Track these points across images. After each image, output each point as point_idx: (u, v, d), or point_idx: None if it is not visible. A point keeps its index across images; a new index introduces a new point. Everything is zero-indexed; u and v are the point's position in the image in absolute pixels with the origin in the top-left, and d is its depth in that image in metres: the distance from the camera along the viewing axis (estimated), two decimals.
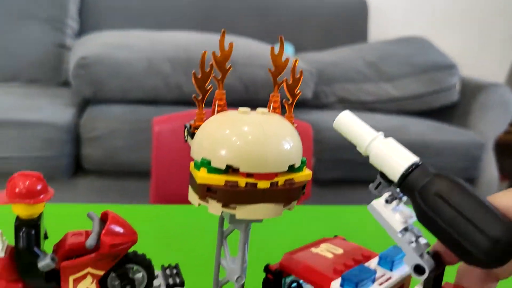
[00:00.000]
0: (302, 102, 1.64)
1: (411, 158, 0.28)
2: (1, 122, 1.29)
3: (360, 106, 1.77)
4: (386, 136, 0.30)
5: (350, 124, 0.31)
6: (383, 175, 0.29)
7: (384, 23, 2.35)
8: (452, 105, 1.82)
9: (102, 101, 1.42)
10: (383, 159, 0.29)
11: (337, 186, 1.57)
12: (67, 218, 0.33)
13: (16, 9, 1.75)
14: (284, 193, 0.30)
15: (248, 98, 1.46)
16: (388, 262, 0.34)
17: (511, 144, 2.09)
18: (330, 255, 0.35)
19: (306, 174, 0.32)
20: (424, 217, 0.27)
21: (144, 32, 1.61)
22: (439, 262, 0.29)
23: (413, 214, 0.29)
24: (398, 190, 0.29)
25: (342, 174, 1.54)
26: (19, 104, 1.40)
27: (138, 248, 0.33)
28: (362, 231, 0.53)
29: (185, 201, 0.68)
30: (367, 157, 0.30)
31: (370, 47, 1.96)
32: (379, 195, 0.30)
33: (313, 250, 0.36)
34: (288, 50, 1.97)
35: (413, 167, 0.28)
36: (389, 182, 0.29)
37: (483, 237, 0.25)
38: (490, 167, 1.73)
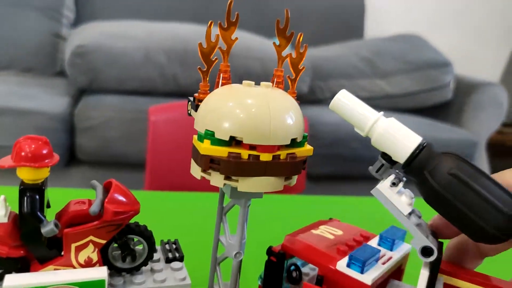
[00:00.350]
0: (298, 97, 1.63)
1: (417, 138, 0.28)
2: None
3: None
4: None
5: (349, 104, 0.29)
6: (385, 157, 0.29)
7: (380, 20, 2.36)
8: (446, 103, 1.83)
9: (98, 91, 1.41)
10: (389, 140, 0.28)
11: (331, 181, 1.58)
12: (63, 200, 0.33)
13: None
14: (286, 167, 0.30)
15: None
16: (389, 242, 0.34)
17: (503, 144, 2.11)
18: (331, 236, 0.35)
19: (307, 149, 0.32)
20: (436, 197, 0.26)
21: (141, 22, 1.60)
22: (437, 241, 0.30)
23: (413, 195, 0.29)
24: (399, 172, 0.29)
25: (336, 169, 1.55)
26: (13, 92, 1.39)
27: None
28: (356, 217, 0.54)
29: (180, 190, 0.68)
30: (368, 138, 0.29)
31: (366, 43, 1.96)
32: (381, 178, 0.29)
33: (314, 231, 0.36)
34: None
35: (421, 147, 0.27)
36: (392, 163, 0.29)
37: (498, 213, 0.25)
38: (482, 166, 1.74)
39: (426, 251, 0.27)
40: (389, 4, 2.41)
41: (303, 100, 1.68)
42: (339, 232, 0.35)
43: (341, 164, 1.53)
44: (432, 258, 0.27)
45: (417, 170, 0.27)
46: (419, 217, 0.29)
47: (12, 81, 1.53)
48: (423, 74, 1.77)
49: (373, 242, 0.35)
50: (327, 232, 0.35)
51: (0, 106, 1.29)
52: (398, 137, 0.28)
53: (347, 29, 2.20)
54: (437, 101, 1.81)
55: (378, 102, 1.78)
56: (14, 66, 1.70)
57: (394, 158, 0.28)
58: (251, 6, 2.07)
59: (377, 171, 0.29)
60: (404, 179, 0.29)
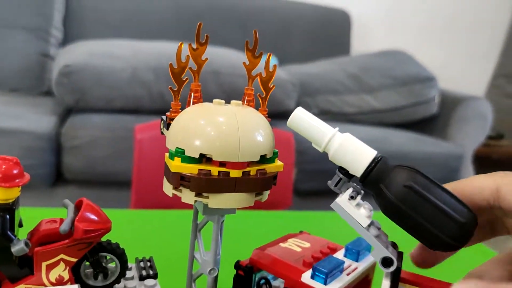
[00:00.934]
0: (285, 113, 1.65)
1: (372, 152, 0.29)
2: None
3: (342, 118, 1.79)
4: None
5: (306, 121, 0.30)
6: (342, 171, 0.29)
7: (366, 37, 2.40)
8: (432, 117, 1.85)
9: (85, 110, 1.41)
10: (345, 154, 0.29)
11: (318, 196, 1.58)
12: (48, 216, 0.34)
13: (1, 18, 1.75)
14: (256, 182, 0.31)
15: None
16: (354, 253, 0.35)
17: (489, 157, 2.14)
18: (298, 249, 0.36)
19: (277, 165, 0.33)
20: (392, 209, 0.27)
21: (127, 42, 1.61)
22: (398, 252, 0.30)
23: (372, 207, 0.29)
24: (357, 185, 0.29)
25: (323, 185, 1.54)
26: (0, 112, 1.39)
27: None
28: (326, 230, 0.54)
29: (166, 208, 0.69)
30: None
31: (352, 59, 1.99)
32: (339, 192, 0.30)
33: (282, 245, 0.37)
34: (272, 62, 2.00)
35: (376, 161, 0.28)
36: (349, 177, 0.29)
37: (452, 222, 0.26)
38: None
39: (386, 262, 0.28)
40: (375, 21, 2.45)
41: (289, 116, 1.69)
42: (307, 245, 0.36)
43: (328, 180, 1.54)
44: (392, 268, 0.28)
45: (373, 183, 0.28)
46: (379, 228, 0.29)
47: None
48: (408, 89, 1.79)
49: (339, 254, 0.36)
50: (295, 245, 0.36)
51: None
52: (354, 151, 0.29)
53: (333, 46, 2.23)
54: (423, 115, 1.83)
55: (365, 117, 1.80)
56: (1, 86, 1.70)
57: (351, 172, 0.29)
58: (238, 24, 2.10)
59: (335, 185, 0.30)
60: (363, 192, 0.30)
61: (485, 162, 2.04)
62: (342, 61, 1.97)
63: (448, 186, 0.29)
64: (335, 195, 0.31)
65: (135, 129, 1.03)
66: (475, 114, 1.77)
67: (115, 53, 1.45)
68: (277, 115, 1.62)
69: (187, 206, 0.36)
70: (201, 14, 2.04)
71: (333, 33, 2.25)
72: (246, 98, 0.34)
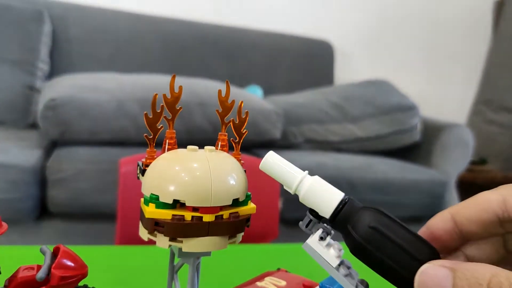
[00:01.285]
0: (271, 142, 1.67)
1: (339, 194, 0.30)
2: None
3: (326, 146, 1.81)
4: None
5: (276, 164, 0.31)
6: (313, 213, 0.30)
7: (349, 67, 2.46)
8: (415, 144, 1.89)
9: (70, 143, 1.41)
10: (314, 197, 0.30)
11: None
12: (28, 259, 0.34)
13: None
14: (229, 226, 0.32)
15: (217, 138, 1.49)
16: None
17: (474, 182, 2.17)
18: None
19: (250, 207, 0.34)
20: (359, 249, 0.28)
21: (113, 75, 1.63)
22: None
23: (342, 247, 0.30)
24: (328, 225, 0.30)
25: None
26: None
27: (91, 284, 0.34)
28: (305, 265, 0.55)
29: (152, 242, 0.69)
30: (296, 196, 0.31)
31: (336, 89, 2.03)
32: (310, 233, 0.31)
33: (258, 283, 0.37)
34: (257, 92, 2.03)
35: (344, 202, 0.29)
36: (319, 218, 0.30)
37: (414, 261, 0.27)
38: (453, 204, 1.78)
39: None
40: (357, 51, 2.51)
41: (276, 145, 1.72)
42: (283, 283, 0.37)
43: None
44: None
45: (341, 224, 0.29)
46: (349, 267, 0.30)
47: None
48: (391, 118, 1.83)
49: None
50: (271, 283, 0.37)
51: None
52: (322, 194, 0.30)
53: (317, 76, 2.28)
54: (405, 143, 1.86)
55: (349, 146, 1.82)
56: None
57: (320, 214, 0.30)
58: (225, 55, 2.13)
59: (306, 226, 0.31)
60: (333, 232, 0.31)
61: (469, 188, 2.06)
62: (326, 91, 2.00)
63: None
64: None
65: (120, 163, 1.03)
66: (457, 141, 1.81)
67: (101, 86, 1.47)
68: (262, 145, 1.65)
69: None
70: (188, 46, 2.07)
71: (317, 64, 2.30)
72: (220, 143, 0.36)
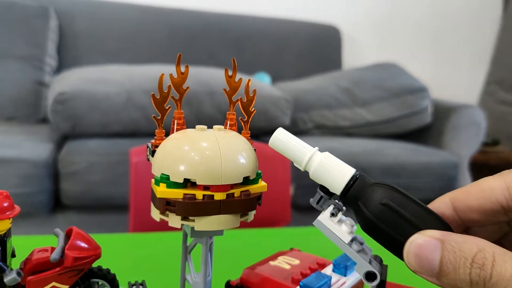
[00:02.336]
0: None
1: (350, 170, 0.29)
2: None
3: (337, 131, 1.81)
4: (347, 158, 0.31)
5: (286, 141, 0.31)
6: (323, 189, 0.30)
7: (357, 51, 2.43)
8: (426, 127, 1.87)
9: (81, 136, 1.42)
10: (324, 173, 0.29)
11: (317, 211, 1.59)
12: (42, 245, 0.34)
13: None
14: (240, 204, 0.32)
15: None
16: (342, 268, 0.36)
17: (486, 164, 2.14)
18: (287, 266, 0.37)
19: (261, 185, 0.34)
20: (370, 226, 0.28)
21: (121, 67, 1.63)
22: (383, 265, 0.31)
23: (354, 223, 0.30)
24: (339, 202, 0.30)
25: None
26: None
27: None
28: (315, 245, 0.55)
29: (166, 229, 0.69)
30: (300, 176, 0.31)
31: (344, 74, 2.02)
32: (321, 209, 0.31)
33: (271, 263, 0.37)
34: (265, 80, 2.02)
35: (355, 178, 0.29)
36: (330, 195, 0.30)
37: None
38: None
39: (370, 276, 0.28)
40: (365, 35, 2.48)
41: None
42: (296, 262, 0.37)
43: None
44: (375, 282, 0.28)
45: (352, 201, 0.29)
46: (361, 243, 0.30)
47: None
48: (401, 101, 1.81)
49: (328, 269, 0.36)
50: (284, 262, 0.37)
51: None
52: (333, 170, 0.29)
53: (325, 61, 2.26)
54: (416, 125, 1.84)
55: (360, 130, 1.81)
56: None
57: (331, 190, 0.30)
58: (232, 43, 2.13)
59: (317, 203, 0.31)
60: (344, 208, 0.30)
61: (482, 169, 2.05)
62: (334, 75, 1.99)
63: (453, 193, 0.29)
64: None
65: (131, 153, 1.04)
66: (469, 122, 1.79)
67: (109, 78, 1.47)
68: (272, 132, 1.64)
69: (177, 228, 0.37)
70: (195, 35, 2.07)
71: (325, 49, 2.28)
72: (228, 122, 0.35)
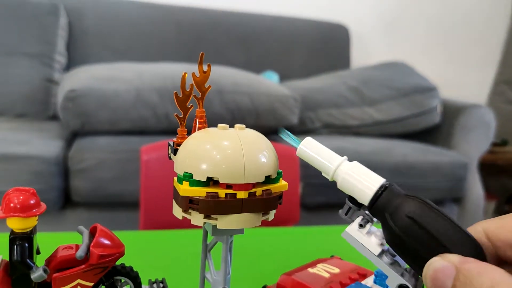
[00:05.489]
0: (288, 128, 1.67)
1: (379, 180, 0.28)
2: None
3: (345, 131, 1.80)
4: (355, 157, 0.31)
5: (314, 150, 0.31)
6: (352, 200, 0.29)
7: (365, 49, 2.43)
8: (435, 126, 1.86)
9: (90, 133, 1.43)
10: (352, 183, 0.29)
11: (326, 210, 1.59)
12: (57, 245, 0.35)
13: (5, 46, 1.78)
14: (262, 203, 0.32)
15: (235, 124, 1.49)
16: (384, 279, 0.34)
17: (495, 164, 2.14)
18: (326, 275, 0.36)
19: (282, 184, 0.34)
20: (394, 239, 0.27)
21: (131, 64, 1.64)
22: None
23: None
24: (368, 213, 0.29)
25: (330, 198, 1.56)
26: (7, 138, 1.41)
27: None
28: (329, 246, 0.54)
29: (175, 227, 0.70)
30: (309, 175, 0.30)
31: (353, 72, 2.01)
32: (350, 220, 0.30)
33: (310, 270, 0.37)
34: (273, 78, 2.02)
35: (383, 189, 0.28)
36: (359, 205, 0.29)
37: None
38: (475, 187, 1.76)
39: None
40: (373, 34, 2.47)
41: (293, 131, 1.71)
42: (336, 270, 0.36)
43: (336, 193, 1.53)
44: None
45: (379, 212, 0.28)
46: (393, 255, 0.29)
47: (5, 127, 1.55)
48: (410, 100, 1.81)
49: (369, 280, 0.35)
50: (323, 270, 0.36)
51: None
52: (361, 180, 0.29)
53: (334, 60, 2.26)
54: (425, 125, 1.84)
55: (368, 129, 1.81)
56: (7, 113, 1.73)
57: (359, 201, 0.29)
58: (240, 42, 2.12)
59: (346, 214, 0.30)
60: (374, 220, 0.30)
61: (491, 169, 2.04)
62: (342, 74, 1.98)
63: (485, 226, 0.27)
64: (342, 207, 0.31)
65: (141, 150, 1.04)
66: (478, 122, 1.78)
67: (119, 76, 1.48)
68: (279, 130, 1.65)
69: (195, 226, 0.37)
70: (203, 34, 2.07)
71: (333, 48, 2.28)
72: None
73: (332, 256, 0.41)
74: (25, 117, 1.74)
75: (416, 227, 0.26)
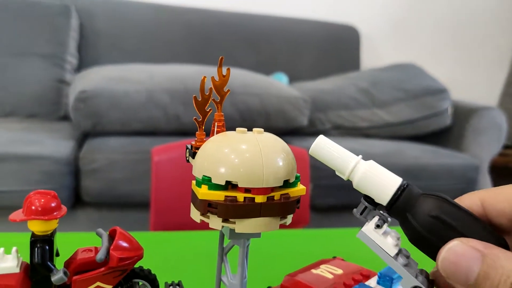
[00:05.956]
0: (298, 130, 1.67)
1: (397, 180, 0.28)
2: (2, 156, 1.30)
3: (355, 132, 1.80)
4: (366, 159, 0.30)
5: (328, 149, 0.30)
6: (367, 199, 0.29)
7: (375, 51, 2.42)
8: (446, 129, 1.85)
9: (101, 134, 1.44)
10: (369, 182, 0.28)
11: (335, 212, 1.58)
12: (70, 245, 0.35)
13: (17, 47, 1.80)
14: (280, 207, 0.32)
15: (245, 125, 1.48)
16: (388, 280, 0.34)
17: (506, 166, 2.12)
18: (330, 276, 0.36)
19: (300, 189, 0.34)
20: (419, 239, 0.27)
21: (142, 66, 1.65)
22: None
23: (399, 235, 0.29)
24: (384, 213, 0.29)
25: (339, 200, 1.56)
26: (19, 138, 1.42)
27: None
28: (360, 252, 0.54)
29: (185, 228, 0.70)
30: (349, 182, 0.29)
31: (363, 74, 2.00)
32: (365, 220, 0.30)
33: (313, 271, 0.37)
34: (283, 80, 2.02)
35: (402, 189, 0.28)
36: (375, 205, 0.29)
37: None
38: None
39: None
40: (383, 35, 2.47)
41: (303, 132, 1.71)
42: (339, 272, 0.36)
43: (345, 195, 1.54)
44: None
45: (399, 212, 0.27)
46: (407, 257, 0.29)
47: (17, 127, 1.57)
48: (421, 102, 1.80)
49: (373, 281, 0.35)
50: (327, 271, 0.36)
51: (5, 152, 1.32)
52: (379, 179, 0.28)
53: (343, 61, 2.25)
54: (436, 127, 1.83)
55: (378, 131, 1.80)
56: (18, 113, 1.74)
57: (376, 201, 0.29)
58: (249, 43, 2.13)
59: (361, 213, 0.30)
60: (389, 219, 0.29)
61: (502, 172, 2.03)
62: (352, 76, 1.98)
63: (482, 193, 0.28)
64: (351, 210, 0.31)
65: (152, 152, 1.05)
66: (489, 124, 1.77)
67: (130, 77, 1.48)
68: (290, 132, 1.65)
69: (207, 227, 0.37)
70: (213, 35, 2.07)
71: (343, 49, 2.27)
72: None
73: (334, 257, 0.41)
74: (36, 118, 1.76)
75: (440, 225, 0.26)
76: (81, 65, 1.89)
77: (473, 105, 1.85)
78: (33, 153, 1.33)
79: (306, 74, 2.16)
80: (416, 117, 1.80)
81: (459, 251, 0.24)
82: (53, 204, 0.30)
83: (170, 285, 0.38)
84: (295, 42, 2.21)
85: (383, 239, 0.28)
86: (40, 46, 1.82)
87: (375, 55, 2.41)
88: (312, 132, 1.75)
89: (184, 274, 0.43)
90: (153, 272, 0.35)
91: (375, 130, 1.80)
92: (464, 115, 1.82)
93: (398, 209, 0.27)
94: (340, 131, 1.80)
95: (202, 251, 0.55)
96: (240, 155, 0.31)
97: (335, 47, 2.26)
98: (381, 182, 0.28)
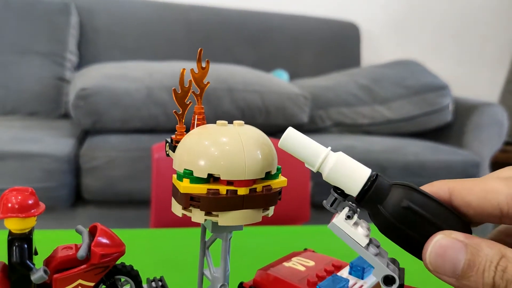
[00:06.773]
0: (299, 127, 1.66)
1: (367, 171, 0.28)
2: (2, 154, 1.31)
3: (355, 129, 1.79)
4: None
5: (297, 141, 0.30)
6: (337, 190, 0.29)
7: (376, 48, 2.41)
8: (447, 125, 1.84)
9: (102, 131, 1.44)
10: (339, 174, 0.28)
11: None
12: (63, 242, 0.35)
13: (17, 45, 1.80)
14: (263, 199, 0.32)
15: (245, 122, 1.49)
16: (359, 270, 0.35)
17: (508, 163, 2.10)
18: (302, 268, 0.36)
19: (281, 180, 0.34)
20: (391, 229, 0.27)
21: (142, 63, 1.65)
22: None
23: (369, 225, 0.29)
24: (354, 203, 0.29)
25: None
26: (19, 136, 1.43)
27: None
28: (331, 245, 0.54)
29: (186, 226, 0.69)
30: (319, 173, 0.29)
31: (363, 71, 2.00)
32: (335, 212, 0.30)
33: (285, 264, 0.36)
34: (283, 77, 2.02)
35: (372, 180, 0.28)
36: (345, 196, 0.29)
37: None
38: None
39: (388, 280, 0.28)
40: (384, 32, 2.46)
41: (304, 129, 1.71)
42: (311, 263, 0.36)
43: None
44: (394, 286, 0.27)
45: (370, 203, 0.28)
46: (378, 246, 0.29)
47: (17, 125, 1.57)
48: (421, 98, 1.79)
49: (344, 271, 0.35)
50: (299, 263, 0.36)
51: (6, 150, 1.32)
52: (348, 171, 0.28)
53: (344, 58, 2.24)
54: (437, 123, 1.82)
55: (379, 128, 1.80)
56: (19, 111, 1.75)
57: (346, 192, 0.29)
58: (249, 40, 2.12)
59: (331, 205, 0.30)
60: (359, 210, 0.29)
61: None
62: (353, 73, 1.97)
63: (452, 183, 0.28)
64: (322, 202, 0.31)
65: (152, 149, 1.05)
66: (490, 120, 1.76)
67: (130, 75, 1.48)
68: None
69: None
70: (213, 32, 2.07)
71: (343, 46, 2.27)
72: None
73: (305, 249, 0.40)
74: (36, 116, 1.76)
75: (411, 214, 0.26)
76: (81, 63, 1.89)
77: (474, 101, 1.84)
78: (34, 151, 1.34)
79: (307, 71, 2.15)
80: (417, 113, 1.79)
81: (444, 244, 0.25)
82: (30, 201, 0.29)
83: (152, 281, 0.38)
84: (296, 39, 2.20)
85: (354, 230, 0.28)
86: (40, 44, 1.83)
87: (375, 51, 2.40)
88: (312, 129, 1.74)
89: (167, 270, 0.42)
90: (137, 268, 0.35)
91: (376, 127, 1.79)
92: (465, 111, 1.81)
93: (369, 200, 0.27)
94: (341, 128, 1.80)
95: (187, 247, 0.55)
96: (221, 147, 0.31)
97: (335, 44, 2.25)
98: (351, 174, 0.28)
